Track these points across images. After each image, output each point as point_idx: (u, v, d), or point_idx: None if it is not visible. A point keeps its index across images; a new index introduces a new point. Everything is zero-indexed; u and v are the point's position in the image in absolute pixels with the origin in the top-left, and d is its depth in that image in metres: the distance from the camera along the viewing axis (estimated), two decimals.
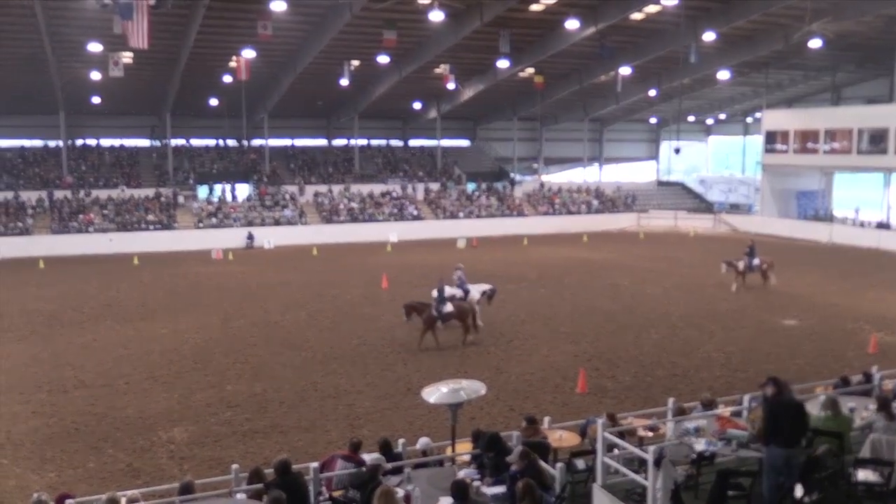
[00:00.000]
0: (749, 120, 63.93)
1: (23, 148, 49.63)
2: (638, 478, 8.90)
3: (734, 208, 57.26)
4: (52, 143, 49.32)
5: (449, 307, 20.62)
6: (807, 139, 46.76)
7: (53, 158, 48.48)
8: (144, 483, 11.77)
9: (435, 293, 20.97)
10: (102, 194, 45.67)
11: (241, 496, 9.14)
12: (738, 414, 11.18)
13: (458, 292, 22.74)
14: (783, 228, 46.70)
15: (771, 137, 49.22)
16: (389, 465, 9.55)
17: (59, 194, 44.94)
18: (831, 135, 45.45)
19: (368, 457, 9.80)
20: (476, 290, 23.14)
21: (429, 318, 20.35)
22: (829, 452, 9.10)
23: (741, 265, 28.12)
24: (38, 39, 33.33)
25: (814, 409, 10.51)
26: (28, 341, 21.79)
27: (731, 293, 27.45)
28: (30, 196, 44.17)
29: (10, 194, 43.98)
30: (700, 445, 9.77)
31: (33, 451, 13.75)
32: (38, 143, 50.19)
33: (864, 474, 9.15)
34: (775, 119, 50.36)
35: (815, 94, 55.99)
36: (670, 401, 12.13)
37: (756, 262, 28.29)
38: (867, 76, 50.91)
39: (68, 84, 41.40)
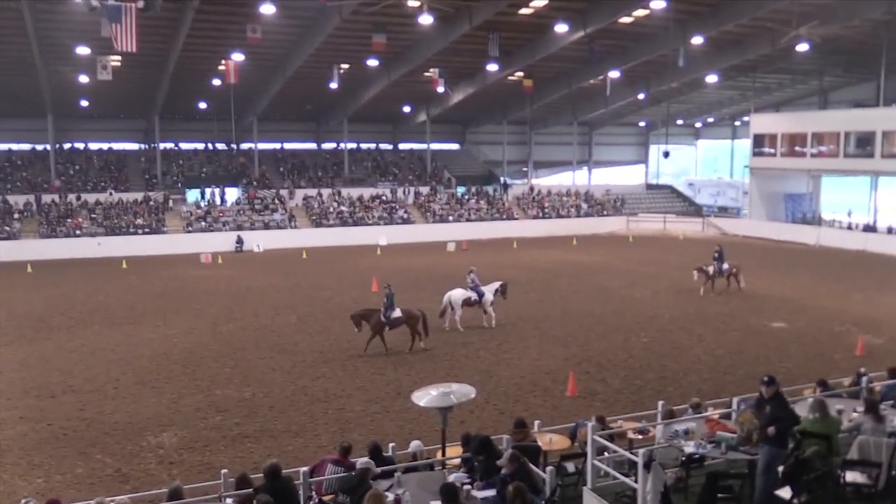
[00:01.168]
0: (737, 123, 64.30)
1: (10, 151, 49.40)
2: (628, 480, 8.92)
3: (723, 211, 57.55)
4: (39, 147, 49.10)
5: (398, 313, 20.40)
6: (794, 142, 47.12)
7: (41, 162, 48.25)
8: (133, 489, 11.72)
9: (385, 299, 20.68)
10: (91, 198, 45.46)
11: (230, 501, 9.10)
12: (727, 416, 11.23)
13: (473, 295, 22.85)
14: (771, 231, 46.99)
15: (759, 141, 49.56)
16: (379, 470, 9.53)
17: (46, 198, 44.71)
18: (818, 138, 45.81)
19: (358, 461, 9.78)
20: (489, 292, 23.24)
21: (377, 323, 20.23)
22: (818, 454, 9.18)
23: (711, 270, 28.58)
24: (25, 42, 33.21)
25: (802, 411, 10.57)
26: (16, 346, 21.64)
27: (716, 296, 27.61)
28: (17, 200, 43.95)
29: None
30: (689, 448, 9.82)
31: (21, 457, 13.64)
32: (25, 146, 49.93)
33: (852, 476, 9.21)
34: (763, 123, 50.70)
35: (803, 97, 56.35)
36: (660, 404, 12.18)
37: (725, 266, 28.76)
38: (854, 80, 51.25)
39: (56, 87, 41.22)
